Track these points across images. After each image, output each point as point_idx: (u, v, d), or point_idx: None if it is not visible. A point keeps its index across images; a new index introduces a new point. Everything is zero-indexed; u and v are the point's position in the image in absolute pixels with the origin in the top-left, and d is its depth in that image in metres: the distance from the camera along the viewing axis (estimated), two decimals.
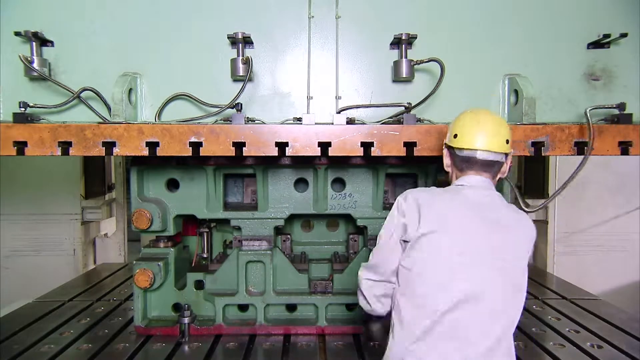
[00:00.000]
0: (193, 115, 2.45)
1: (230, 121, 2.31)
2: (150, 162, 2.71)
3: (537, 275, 4.16)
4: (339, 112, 2.43)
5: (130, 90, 2.34)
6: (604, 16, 2.44)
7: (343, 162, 2.73)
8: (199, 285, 2.91)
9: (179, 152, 2.23)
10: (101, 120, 2.33)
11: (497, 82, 2.48)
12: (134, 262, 2.79)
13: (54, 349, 2.55)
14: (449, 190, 1.87)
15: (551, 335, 2.76)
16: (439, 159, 2.05)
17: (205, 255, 3.13)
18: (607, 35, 2.39)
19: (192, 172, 2.78)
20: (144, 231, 2.72)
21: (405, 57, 2.37)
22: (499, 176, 1.92)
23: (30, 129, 2.20)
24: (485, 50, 2.46)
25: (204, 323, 2.82)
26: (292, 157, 2.69)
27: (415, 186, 2.94)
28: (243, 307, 2.91)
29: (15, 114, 2.23)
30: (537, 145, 2.27)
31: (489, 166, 1.86)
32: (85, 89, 2.34)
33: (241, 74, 2.33)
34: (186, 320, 2.72)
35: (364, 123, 2.39)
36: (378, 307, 1.91)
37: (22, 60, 2.27)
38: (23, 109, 2.24)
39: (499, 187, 2.66)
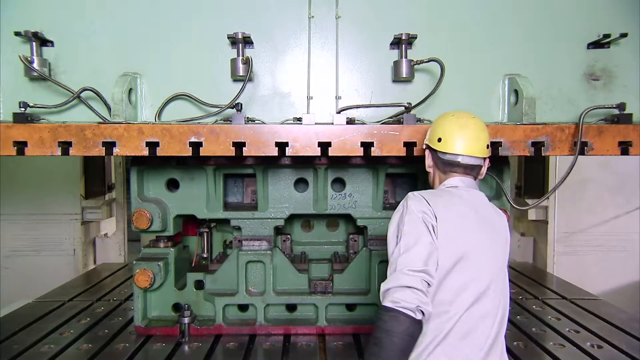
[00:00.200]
0: (193, 115, 2.45)
1: (230, 121, 2.31)
2: (150, 162, 2.71)
3: (537, 275, 4.16)
4: (339, 112, 2.43)
5: (130, 90, 2.34)
6: (604, 16, 2.44)
7: (343, 162, 2.74)
8: (199, 285, 2.91)
9: (179, 152, 2.23)
10: (101, 120, 2.33)
11: (497, 82, 2.48)
12: (134, 262, 2.79)
13: (54, 349, 2.55)
14: (445, 192, 1.87)
15: (551, 335, 2.76)
16: None
17: (205, 255, 3.13)
18: (607, 35, 2.39)
19: (192, 172, 2.78)
20: (144, 231, 2.72)
21: (405, 57, 2.37)
22: (478, 178, 1.96)
23: (30, 129, 2.20)
24: (485, 50, 2.46)
25: (204, 323, 2.82)
26: (292, 157, 2.69)
27: (415, 187, 2.94)
28: (243, 307, 2.91)
29: (15, 114, 2.23)
30: (537, 145, 2.27)
31: (471, 169, 1.90)
32: (85, 89, 2.34)
33: (241, 74, 2.33)
34: (186, 320, 2.72)
35: (364, 123, 2.39)
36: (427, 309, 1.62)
37: (22, 60, 2.27)
38: (23, 109, 2.24)
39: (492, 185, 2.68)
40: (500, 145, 2.26)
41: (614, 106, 2.36)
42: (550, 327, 2.88)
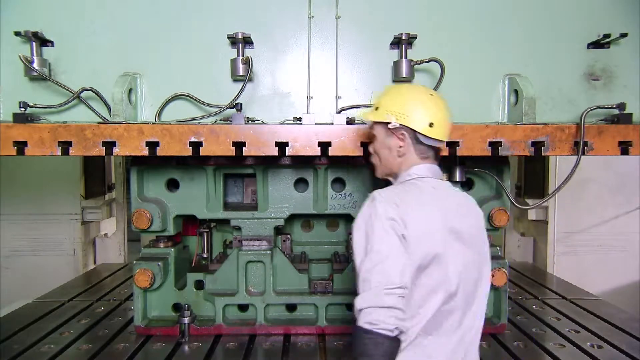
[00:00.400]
0: (193, 115, 2.45)
1: (230, 121, 2.31)
2: (150, 162, 2.71)
3: (537, 275, 4.16)
4: (339, 112, 2.43)
5: (130, 90, 2.34)
6: (604, 16, 2.44)
7: (343, 162, 2.73)
8: (199, 285, 2.91)
9: (179, 152, 2.23)
10: (101, 120, 2.33)
11: (497, 82, 2.48)
12: (134, 262, 2.79)
13: (54, 349, 2.55)
14: (413, 187, 1.73)
15: (551, 335, 2.76)
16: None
17: (205, 255, 3.13)
18: (607, 35, 2.39)
19: (192, 172, 2.78)
20: (144, 231, 2.72)
21: (405, 57, 2.37)
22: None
23: (30, 129, 2.20)
24: (485, 50, 2.46)
25: (204, 323, 2.82)
26: (292, 157, 2.69)
27: None
28: (243, 307, 2.91)
29: (15, 114, 2.23)
30: (537, 145, 2.27)
31: (438, 154, 1.85)
32: (85, 89, 2.34)
33: (241, 74, 2.33)
34: (186, 320, 2.72)
35: (364, 123, 2.39)
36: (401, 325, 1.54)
37: (22, 60, 2.27)
38: (23, 109, 2.24)
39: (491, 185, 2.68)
40: (500, 145, 2.26)
41: (614, 106, 2.36)
42: (550, 327, 2.88)
